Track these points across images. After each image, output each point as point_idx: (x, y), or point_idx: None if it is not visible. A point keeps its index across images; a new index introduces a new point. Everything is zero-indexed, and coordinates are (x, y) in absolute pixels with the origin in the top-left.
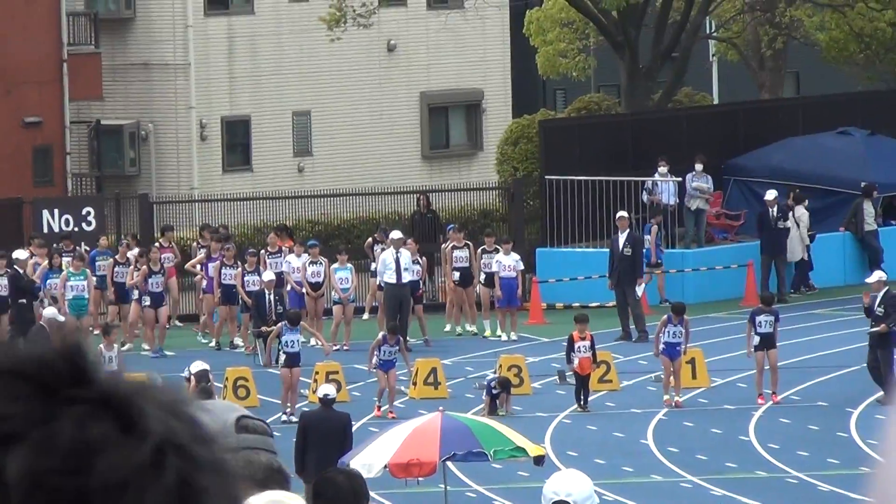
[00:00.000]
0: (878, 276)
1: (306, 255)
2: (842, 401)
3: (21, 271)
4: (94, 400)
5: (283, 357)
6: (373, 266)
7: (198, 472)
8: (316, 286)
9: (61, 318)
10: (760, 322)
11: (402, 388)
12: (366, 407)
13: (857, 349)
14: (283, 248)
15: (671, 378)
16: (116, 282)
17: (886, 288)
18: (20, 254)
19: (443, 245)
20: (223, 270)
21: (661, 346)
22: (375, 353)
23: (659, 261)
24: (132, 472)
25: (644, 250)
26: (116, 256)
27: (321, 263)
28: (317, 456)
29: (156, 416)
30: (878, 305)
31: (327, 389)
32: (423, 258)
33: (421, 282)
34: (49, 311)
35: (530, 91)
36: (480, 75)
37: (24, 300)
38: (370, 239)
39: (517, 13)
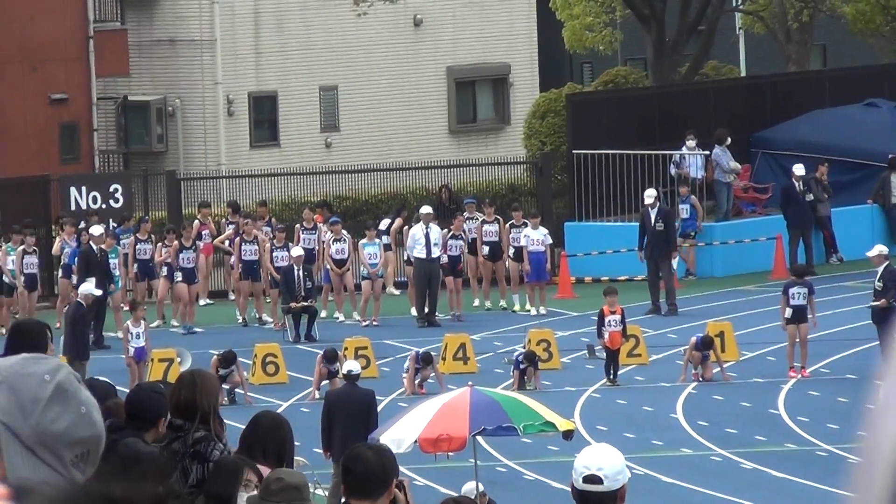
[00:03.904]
0: (878, 249)
1: (329, 232)
2: (871, 373)
3: (95, 247)
4: None
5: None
6: (384, 239)
7: None
8: (340, 263)
9: (98, 293)
10: (794, 294)
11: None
12: (395, 382)
13: None
14: (319, 224)
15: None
16: (139, 259)
17: (887, 262)
18: (96, 230)
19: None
20: (243, 246)
21: (689, 372)
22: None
23: (691, 232)
24: None
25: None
26: (137, 234)
27: (345, 240)
28: (342, 433)
29: None
30: (878, 280)
31: (351, 366)
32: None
33: (462, 257)
34: (85, 287)
35: (557, 65)
36: (507, 49)
37: (95, 276)
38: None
39: None
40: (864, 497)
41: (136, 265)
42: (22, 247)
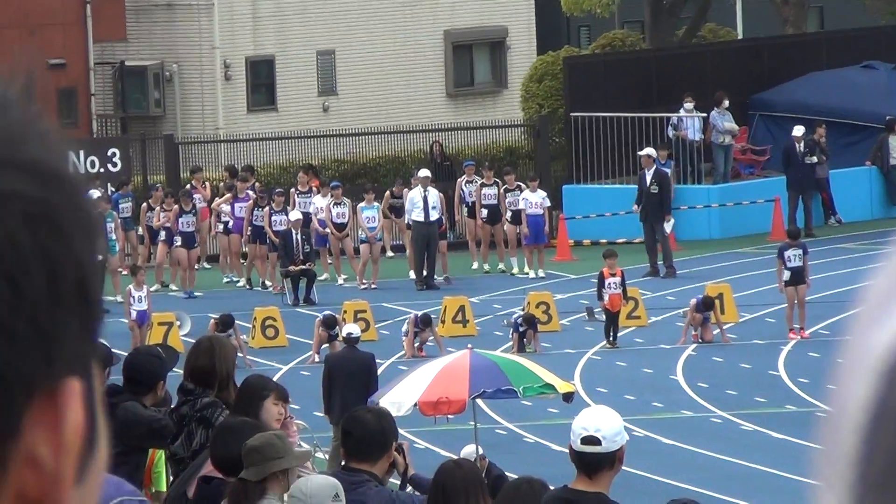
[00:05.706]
0: None
1: (329, 196)
2: None
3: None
4: None
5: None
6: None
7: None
8: (340, 227)
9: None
10: (789, 257)
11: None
12: (394, 345)
13: None
14: (313, 187)
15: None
16: (149, 225)
17: None
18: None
19: (458, 180)
20: (255, 212)
21: (690, 334)
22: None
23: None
24: None
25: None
26: (150, 201)
27: (345, 204)
28: (341, 396)
29: None
30: None
31: (351, 329)
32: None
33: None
34: None
35: (554, 28)
36: (504, 13)
37: None
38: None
39: None
40: (845, 402)
41: (147, 231)
42: None
